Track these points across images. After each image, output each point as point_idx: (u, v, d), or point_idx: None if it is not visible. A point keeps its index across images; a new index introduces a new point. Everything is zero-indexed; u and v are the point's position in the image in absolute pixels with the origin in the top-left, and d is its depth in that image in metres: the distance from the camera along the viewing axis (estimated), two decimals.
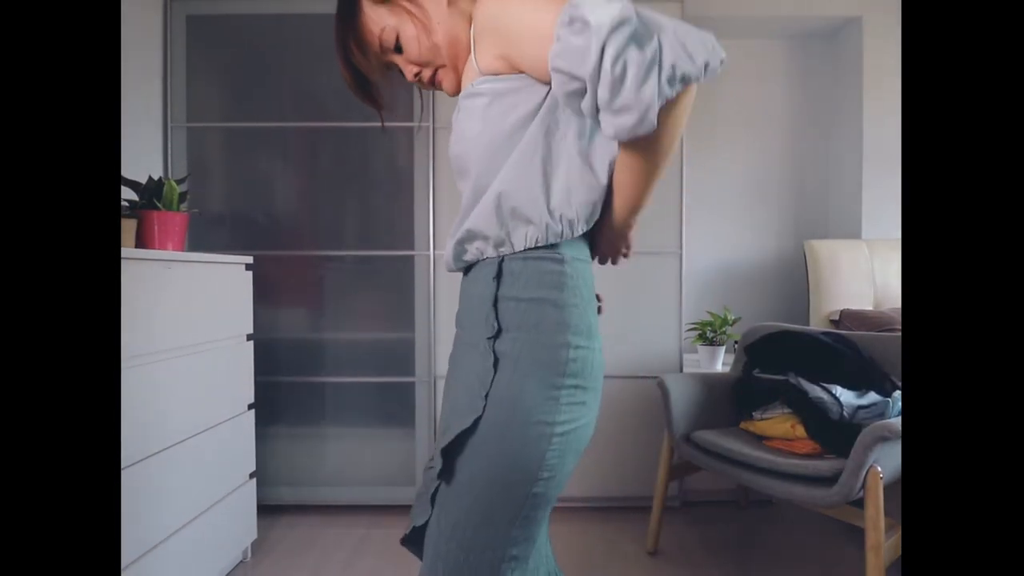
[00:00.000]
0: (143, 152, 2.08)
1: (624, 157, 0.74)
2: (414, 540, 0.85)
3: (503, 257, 0.79)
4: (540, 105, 0.78)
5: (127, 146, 1.94)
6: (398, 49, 0.88)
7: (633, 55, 0.62)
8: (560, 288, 0.78)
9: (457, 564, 0.76)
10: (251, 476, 1.84)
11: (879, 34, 2.50)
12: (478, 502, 0.76)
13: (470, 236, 0.81)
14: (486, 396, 0.76)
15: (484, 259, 0.82)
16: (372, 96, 0.93)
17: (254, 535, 1.88)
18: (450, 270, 0.88)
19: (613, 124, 0.66)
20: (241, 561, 1.86)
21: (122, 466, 1.27)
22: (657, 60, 0.63)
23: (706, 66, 0.65)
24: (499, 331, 0.77)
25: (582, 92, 0.67)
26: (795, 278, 2.69)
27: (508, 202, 0.77)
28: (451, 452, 0.78)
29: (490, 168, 0.79)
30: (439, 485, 0.79)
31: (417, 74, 0.89)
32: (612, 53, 0.62)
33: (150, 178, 1.64)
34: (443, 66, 0.88)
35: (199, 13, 2.21)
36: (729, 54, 2.80)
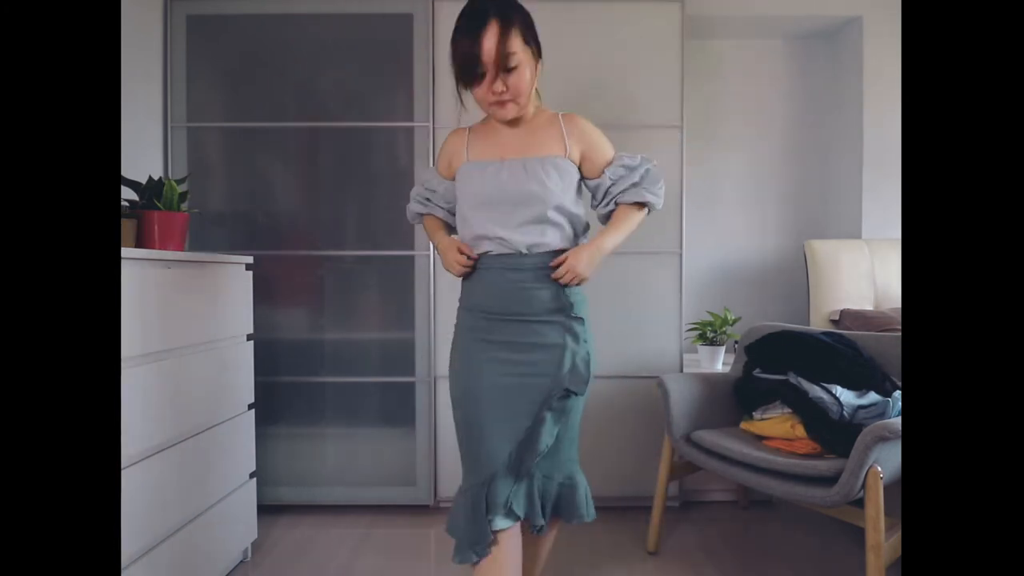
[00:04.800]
0: (143, 152, 2.09)
1: (629, 212, 1.33)
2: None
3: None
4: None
5: (127, 146, 1.94)
6: (507, 70, 1.20)
7: (656, 172, 1.34)
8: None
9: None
10: (251, 476, 1.84)
11: (879, 34, 2.50)
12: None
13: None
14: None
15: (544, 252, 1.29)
16: (470, 81, 1.23)
17: (254, 535, 1.88)
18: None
19: (648, 196, 1.31)
20: (241, 561, 1.86)
21: (122, 466, 1.27)
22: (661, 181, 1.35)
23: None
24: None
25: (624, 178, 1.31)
26: (795, 278, 2.69)
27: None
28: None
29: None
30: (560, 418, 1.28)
31: (501, 92, 1.23)
32: (650, 167, 1.33)
33: (150, 178, 1.64)
34: (514, 102, 1.25)
35: (199, 13, 2.21)
36: (729, 54, 2.80)
